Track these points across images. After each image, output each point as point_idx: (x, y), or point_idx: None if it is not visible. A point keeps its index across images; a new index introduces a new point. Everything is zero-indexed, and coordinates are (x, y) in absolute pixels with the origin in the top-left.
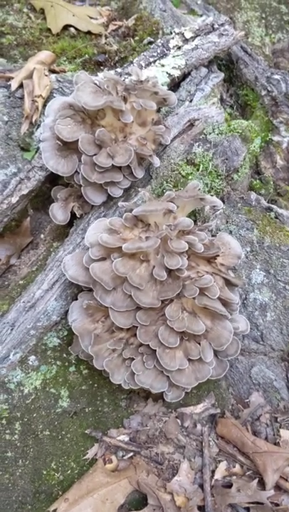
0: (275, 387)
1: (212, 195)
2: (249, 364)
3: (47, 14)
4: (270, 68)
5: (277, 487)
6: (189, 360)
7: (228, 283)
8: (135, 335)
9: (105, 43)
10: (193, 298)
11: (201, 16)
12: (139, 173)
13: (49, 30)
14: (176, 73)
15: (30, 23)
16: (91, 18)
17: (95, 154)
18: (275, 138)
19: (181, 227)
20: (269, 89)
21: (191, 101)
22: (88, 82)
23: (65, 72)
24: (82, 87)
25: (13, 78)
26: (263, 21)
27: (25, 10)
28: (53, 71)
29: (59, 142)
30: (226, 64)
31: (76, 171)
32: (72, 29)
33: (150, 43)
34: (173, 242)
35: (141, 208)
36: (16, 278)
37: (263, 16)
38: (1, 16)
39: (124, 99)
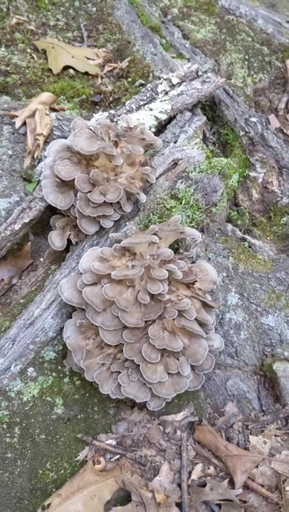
0: (247, 398)
1: (193, 227)
2: (225, 377)
3: (48, 55)
4: (250, 110)
5: (245, 486)
6: (169, 373)
7: (205, 305)
8: (122, 351)
9: (101, 83)
10: (173, 319)
11: (188, 60)
12: (128, 208)
13: (50, 70)
14: (163, 117)
15: (33, 63)
16: (88, 58)
17: (89, 191)
18: (252, 174)
19: (163, 257)
20: (247, 130)
21: (175, 142)
22: (84, 128)
23: (64, 110)
24: (78, 133)
25: (17, 116)
26: (246, 62)
27: (28, 50)
28: (53, 109)
29: (58, 180)
30: (210, 105)
31: (72, 205)
32: (71, 70)
33: (141, 85)
34: (155, 271)
35: (128, 240)
36: (17, 297)
37: (246, 57)
38: (6, 55)
39: (116, 144)
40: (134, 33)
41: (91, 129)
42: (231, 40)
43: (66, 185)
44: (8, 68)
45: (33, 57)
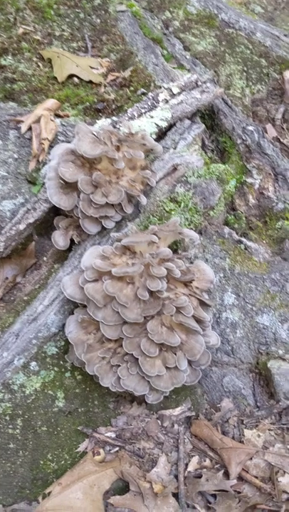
0: (243, 395)
1: (191, 229)
2: (221, 374)
3: (54, 64)
4: (247, 119)
5: (240, 478)
6: (167, 367)
7: (202, 303)
8: (122, 345)
9: (104, 92)
10: (171, 315)
11: (189, 70)
12: (129, 209)
13: (55, 78)
14: (164, 124)
15: (38, 71)
16: (92, 68)
17: (91, 193)
18: (249, 180)
19: (162, 255)
20: (244, 138)
21: (175, 148)
22: (87, 133)
23: (68, 116)
24: (82, 137)
25: (23, 122)
26: (245, 74)
27: (34, 59)
28: (58, 115)
29: (62, 182)
30: (209, 113)
31: (75, 206)
32: (75, 78)
33: (143, 93)
34: (154, 268)
35: (128, 239)
36: (21, 294)
37: (245, 69)
38: (13, 63)
39: (118, 148)
40: (137, 44)
41: (94, 134)
42: (230, 52)
43: (70, 186)
44: (15, 76)
45: (38, 66)
